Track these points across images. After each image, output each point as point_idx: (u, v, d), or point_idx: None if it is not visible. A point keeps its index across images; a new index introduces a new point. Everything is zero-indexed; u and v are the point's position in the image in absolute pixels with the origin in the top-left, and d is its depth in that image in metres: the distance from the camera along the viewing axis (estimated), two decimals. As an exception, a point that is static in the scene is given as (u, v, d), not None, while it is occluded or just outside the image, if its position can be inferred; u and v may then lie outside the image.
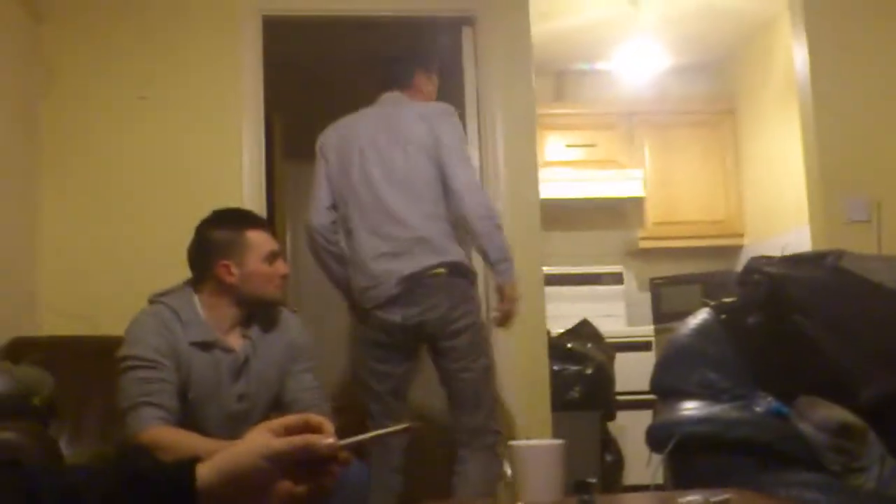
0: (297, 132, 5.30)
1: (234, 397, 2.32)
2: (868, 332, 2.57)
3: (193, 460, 0.92)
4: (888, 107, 3.90)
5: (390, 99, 3.27)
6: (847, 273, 2.80)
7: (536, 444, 1.87)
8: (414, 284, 3.01)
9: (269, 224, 2.54)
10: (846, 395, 2.45)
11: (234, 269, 2.32)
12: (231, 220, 2.41)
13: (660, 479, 2.78)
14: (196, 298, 2.34)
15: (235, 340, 2.36)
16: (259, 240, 2.37)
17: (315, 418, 0.97)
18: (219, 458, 0.92)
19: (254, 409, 2.36)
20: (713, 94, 5.76)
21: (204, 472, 0.90)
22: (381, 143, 3.13)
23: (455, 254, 3.06)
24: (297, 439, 0.93)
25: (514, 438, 3.05)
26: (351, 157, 3.16)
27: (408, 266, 3.01)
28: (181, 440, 2.11)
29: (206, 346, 2.29)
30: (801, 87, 4.05)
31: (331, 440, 0.94)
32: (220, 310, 2.34)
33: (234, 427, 2.28)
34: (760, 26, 5.20)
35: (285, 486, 0.92)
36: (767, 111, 5.16)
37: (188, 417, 2.24)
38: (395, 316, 3.05)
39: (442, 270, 3.02)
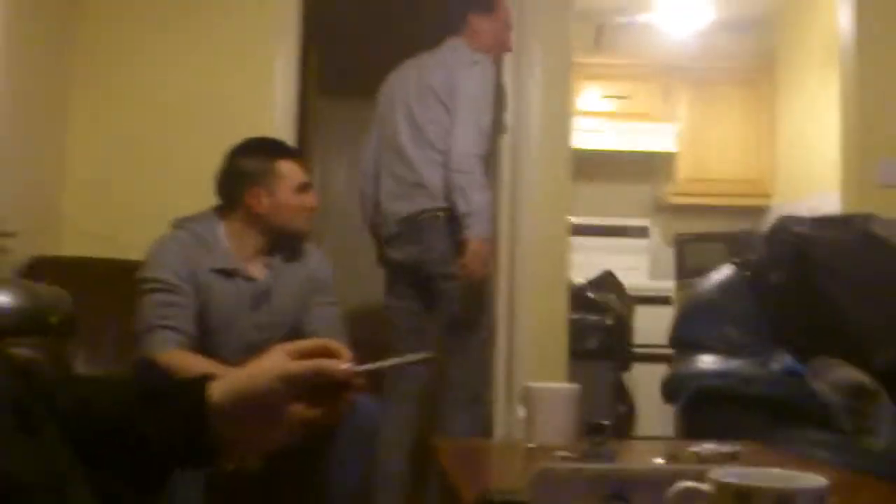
0: (335, 66, 5.31)
1: (252, 326, 2.32)
2: (890, 297, 2.56)
3: (206, 377, 0.92)
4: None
5: (447, 45, 3.35)
6: (875, 237, 2.78)
7: (551, 386, 1.90)
8: (411, 225, 3.17)
9: (300, 156, 2.53)
10: (863, 357, 2.46)
11: (263, 199, 2.32)
12: (263, 148, 2.40)
13: (671, 433, 2.81)
14: (221, 225, 2.35)
15: (257, 270, 2.36)
16: (290, 170, 2.36)
17: (333, 344, 0.97)
18: (233, 377, 0.93)
19: (272, 340, 2.32)
20: (753, 52, 5.66)
21: (217, 389, 0.91)
22: (412, 91, 3.26)
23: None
24: (313, 363, 0.93)
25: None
26: (390, 105, 3.33)
27: (406, 207, 3.18)
28: (195, 364, 2.11)
29: (227, 273, 2.30)
30: (844, 47, 3.98)
31: (346, 365, 0.94)
32: (245, 238, 2.35)
33: (250, 356, 2.31)
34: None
35: (298, 408, 0.92)
36: (807, 73, 5.07)
37: (206, 345, 2.25)
38: (397, 254, 3.26)
39: (440, 214, 3.11)
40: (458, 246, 3.07)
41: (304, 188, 2.38)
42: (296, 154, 2.49)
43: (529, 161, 3.81)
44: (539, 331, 3.60)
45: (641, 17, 5.43)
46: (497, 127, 3.30)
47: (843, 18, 3.96)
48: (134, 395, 0.93)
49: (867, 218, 2.86)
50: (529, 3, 3.91)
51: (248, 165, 2.36)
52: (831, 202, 4.03)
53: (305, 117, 4.44)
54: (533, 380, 3.38)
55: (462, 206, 3.03)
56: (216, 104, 3.61)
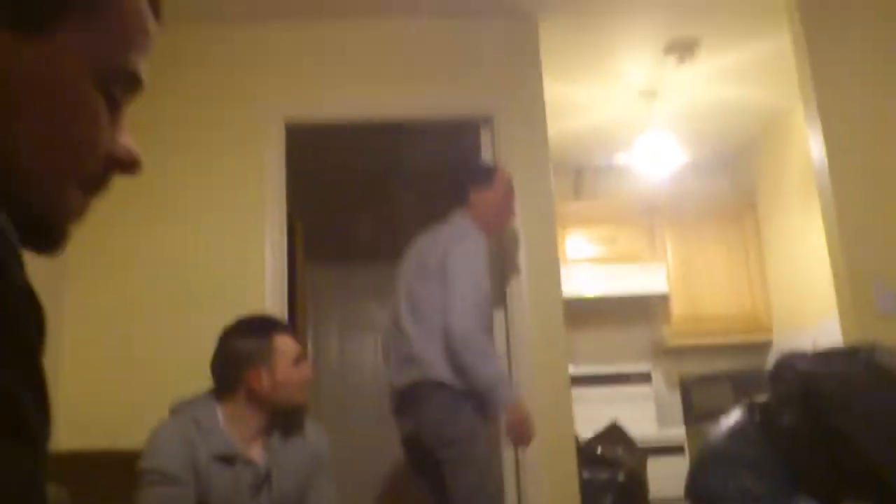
0: (317, 237, 5.36)
1: None
2: (906, 429, 2.48)
3: None
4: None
5: (450, 219, 3.48)
6: (881, 368, 2.72)
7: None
8: (405, 398, 3.21)
9: (290, 327, 2.51)
10: (890, 496, 2.35)
11: (265, 378, 2.29)
12: (258, 326, 2.39)
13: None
14: (219, 409, 2.30)
15: (257, 452, 2.30)
16: (286, 344, 2.35)
17: None
18: None
19: None
20: (732, 188, 5.76)
21: None
22: (411, 267, 3.35)
23: (440, 370, 3.10)
24: None
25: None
26: (397, 280, 3.41)
27: (401, 380, 3.21)
28: None
29: (227, 459, 2.24)
30: (819, 178, 4.02)
31: None
32: (244, 421, 2.30)
33: None
34: (775, 119, 5.23)
35: None
36: (788, 203, 5.13)
37: None
38: (401, 426, 3.30)
39: (425, 386, 3.13)
40: (449, 410, 3.08)
41: (299, 360, 2.36)
42: (287, 328, 2.46)
43: (521, 314, 3.79)
44: (550, 492, 3.47)
45: (617, 161, 5.54)
46: (496, 296, 3.30)
47: (815, 152, 4.03)
48: None
49: (871, 349, 2.81)
50: (509, 156, 3.98)
51: (245, 346, 2.33)
52: (833, 330, 3.98)
53: (294, 287, 4.44)
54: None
55: (480, 385, 3.04)
56: (208, 283, 3.63)
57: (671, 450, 4.50)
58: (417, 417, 3.17)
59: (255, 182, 3.78)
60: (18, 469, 0.46)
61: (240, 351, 2.32)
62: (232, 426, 2.28)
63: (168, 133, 3.78)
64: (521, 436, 3.07)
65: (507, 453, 3.68)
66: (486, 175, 3.48)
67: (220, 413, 2.29)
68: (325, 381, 5.67)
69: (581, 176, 5.81)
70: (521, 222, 3.93)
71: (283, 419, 2.37)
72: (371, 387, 5.74)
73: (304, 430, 2.42)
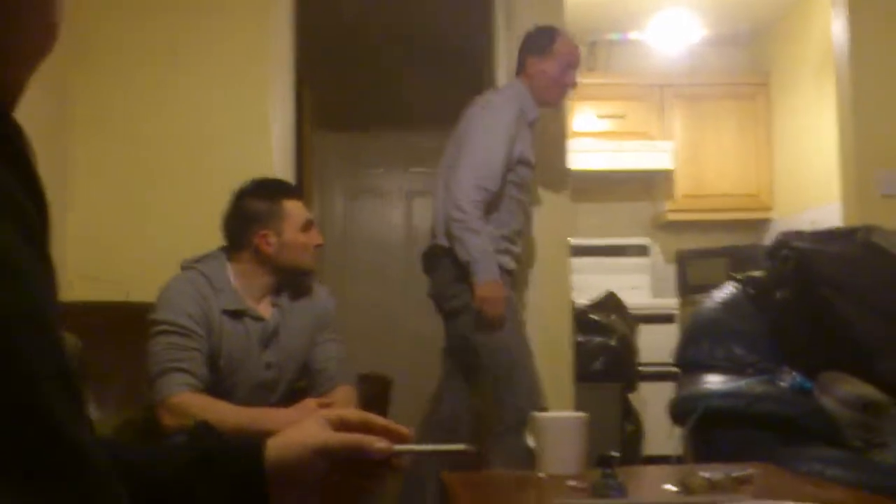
0: (327, 103, 5.35)
1: (262, 365, 2.34)
2: (890, 305, 2.55)
3: (261, 441, 0.91)
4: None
5: (501, 87, 3.49)
6: (877, 248, 2.78)
7: (559, 416, 1.89)
8: (424, 260, 3.35)
9: (302, 195, 2.56)
10: (871, 369, 2.45)
11: (272, 239, 2.34)
12: (269, 189, 2.43)
13: (680, 450, 2.79)
14: (229, 266, 2.36)
15: (265, 309, 2.37)
16: (296, 209, 2.39)
17: (377, 420, 0.95)
18: (276, 442, 0.91)
19: (281, 377, 2.39)
20: (747, 67, 5.68)
21: (270, 453, 0.90)
22: (457, 130, 3.34)
23: (446, 239, 3.15)
24: (352, 439, 0.92)
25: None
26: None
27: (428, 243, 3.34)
28: (209, 407, 2.13)
29: (237, 314, 2.31)
30: (838, 59, 3.99)
31: (384, 444, 0.92)
32: (254, 279, 2.36)
33: (262, 394, 2.33)
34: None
35: (333, 480, 0.92)
36: (802, 85, 5.08)
37: (217, 384, 2.26)
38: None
39: (438, 251, 3.22)
40: (452, 279, 3.15)
41: (308, 226, 2.40)
42: (298, 193, 2.51)
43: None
44: (545, 355, 3.58)
45: (633, 35, 5.46)
46: (522, 161, 3.21)
47: (837, 29, 3.98)
48: (190, 459, 0.91)
49: (869, 230, 2.87)
50: (523, 24, 3.93)
51: (254, 207, 2.38)
52: (832, 214, 4.03)
53: (302, 153, 4.47)
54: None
55: (462, 255, 3.06)
56: (216, 144, 3.63)
57: (662, 318, 4.61)
58: (430, 282, 3.30)
59: (262, 43, 3.74)
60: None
61: (250, 211, 2.37)
62: (241, 283, 2.34)
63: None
64: (488, 315, 3.04)
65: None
66: (543, 43, 3.29)
67: (230, 270, 2.35)
68: (329, 246, 5.75)
69: (595, 49, 5.73)
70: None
71: (292, 280, 2.43)
72: (375, 253, 5.84)
73: (312, 292, 2.49)
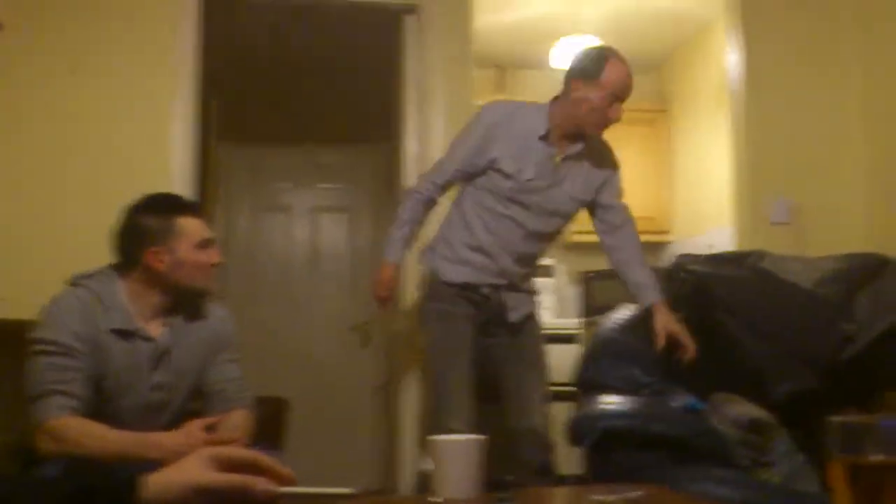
0: (235, 117, 5.27)
1: (151, 388, 2.26)
2: (784, 331, 2.65)
3: (141, 477, 0.89)
4: (815, 113, 4.00)
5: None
6: (767, 273, 2.88)
7: (454, 439, 1.88)
8: None
9: (201, 210, 2.44)
10: (762, 391, 2.53)
11: (164, 257, 2.25)
12: (162, 205, 2.32)
13: (582, 469, 2.83)
14: (119, 284, 2.27)
15: (156, 329, 2.29)
16: (191, 227, 2.28)
17: (263, 462, 0.93)
18: (157, 480, 0.89)
19: (172, 400, 2.31)
20: (649, 94, 5.83)
21: (150, 490, 0.88)
22: None
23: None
24: (235, 480, 0.90)
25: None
26: None
27: None
28: (90, 431, 2.05)
29: (125, 333, 2.22)
30: (733, 90, 4.13)
31: (267, 486, 0.91)
32: (145, 297, 2.27)
33: (150, 416, 2.25)
34: (698, 29, 5.29)
35: None
36: (701, 112, 5.25)
37: (103, 406, 2.17)
38: None
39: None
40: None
41: (205, 244, 2.30)
42: (194, 210, 2.38)
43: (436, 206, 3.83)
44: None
45: (540, 60, 5.54)
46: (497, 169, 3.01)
47: (732, 61, 4.12)
48: (66, 494, 0.88)
49: (760, 255, 2.97)
50: (432, 46, 3.96)
51: (146, 223, 2.27)
52: (728, 237, 4.16)
53: (206, 167, 4.39)
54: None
55: None
56: (113, 157, 3.55)
57: (564, 338, 4.66)
58: None
59: (166, 52, 3.67)
60: None
61: (141, 227, 2.27)
62: (132, 301, 2.26)
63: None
64: (374, 294, 3.12)
65: (406, 324, 3.87)
66: (592, 68, 2.93)
67: (119, 287, 2.26)
68: (234, 262, 5.66)
69: (503, 72, 5.81)
70: (442, 112, 3.95)
71: (187, 300, 2.35)
72: (281, 268, 5.77)
73: (208, 312, 2.41)
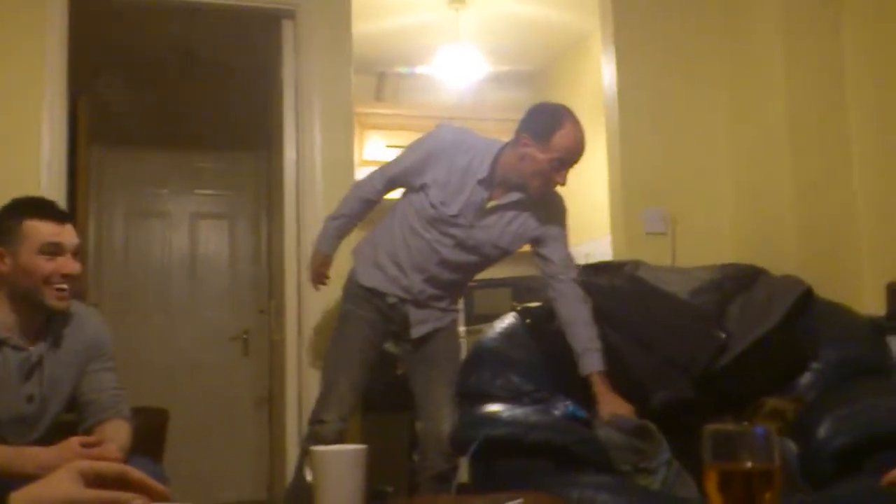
0: (107, 119, 5.09)
1: (23, 398, 2.17)
2: (660, 339, 2.73)
3: (5, 495, 0.84)
4: (689, 125, 4.13)
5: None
6: (643, 282, 2.96)
7: (335, 449, 1.86)
8: None
9: (64, 217, 2.27)
10: (640, 398, 2.60)
11: (6, 260, 2.15)
12: (16, 207, 2.22)
13: (466, 477, 2.84)
14: None
15: (28, 338, 2.20)
16: (37, 230, 2.16)
17: (134, 476, 0.90)
18: (22, 497, 0.85)
19: (45, 412, 2.22)
20: (528, 103, 5.92)
21: None
22: None
23: None
24: (104, 496, 0.86)
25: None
26: None
27: None
28: None
29: None
30: (608, 102, 4.23)
31: (140, 502, 0.87)
32: (8, 306, 2.17)
33: (21, 429, 2.16)
34: (574, 41, 5.41)
35: None
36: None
37: None
38: None
39: None
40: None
41: (51, 250, 2.16)
42: (53, 214, 2.23)
43: (314, 211, 3.80)
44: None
45: (420, 69, 5.57)
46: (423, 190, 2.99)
47: (607, 76, 4.23)
48: None
49: (636, 264, 3.05)
50: (311, 51, 3.92)
51: (3, 226, 2.18)
52: (604, 248, 4.26)
53: (77, 170, 4.22)
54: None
55: None
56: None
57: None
58: None
59: (33, 53, 3.51)
60: None
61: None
62: (6, 309, 2.17)
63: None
64: (311, 277, 3.22)
65: (290, 334, 3.89)
66: (543, 130, 2.87)
67: None
68: (110, 269, 5.47)
69: (384, 79, 5.80)
70: (320, 118, 3.91)
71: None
72: (158, 276, 5.60)
73: (81, 319, 2.33)
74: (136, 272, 5.57)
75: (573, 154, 2.89)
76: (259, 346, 5.35)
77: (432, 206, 2.92)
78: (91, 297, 4.97)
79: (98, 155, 5.23)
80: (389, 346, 3.40)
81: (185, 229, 5.75)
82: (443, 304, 3.08)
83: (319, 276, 3.19)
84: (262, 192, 5.63)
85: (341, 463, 1.72)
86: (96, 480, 0.88)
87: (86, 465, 0.90)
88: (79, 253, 2.25)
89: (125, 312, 5.27)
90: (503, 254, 3.01)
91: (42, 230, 2.17)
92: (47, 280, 2.16)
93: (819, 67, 3.74)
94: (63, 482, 0.86)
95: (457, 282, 3.08)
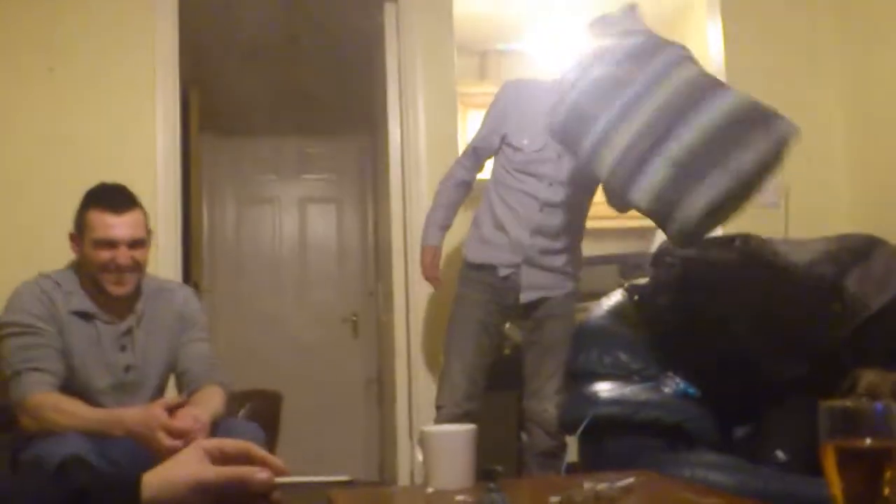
0: (214, 107, 5.22)
1: (121, 368, 2.34)
2: (773, 313, 2.64)
3: (138, 475, 0.88)
4: (801, 94, 3.98)
5: None
6: (754, 256, 2.86)
7: (446, 429, 1.88)
8: None
9: (124, 207, 2.34)
10: (753, 375, 2.52)
11: (77, 247, 2.33)
12: (87, 196, 2.37)
13: (575, 457, 2.83)
14: (77, 273, 2.35)
15: (119, 313, 2.36)
16: (96, 222, 2.29)
17: (257, 452, 0.93)
18: (152, 480, 0.88)
19: (145, 379, 2.38)
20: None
21: (146, 492, 0.87)
22: None
23: None
24: (232, 472, 0.89)
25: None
26: None
27: None
28: (62, 407, 2.13)
29: (86, 315, 2.30)
30: (715, 69, 4.11)
31: (265, 475, 0.90)
32: (89, 284, 2.33)
33: (125, 398, 2.31)
34: (677, 9, 5.26)
35: None
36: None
37: (76, 384, 2.26)
38: None
39: None
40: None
41: (106, 244, 2.28)
42: (116, 205, 2.32)
43: (419, 193, 3.82)
44: (439, 364, 3.58)
45: (522, 45, 5.51)
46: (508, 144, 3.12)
47: (713, 44, 4.10)
48: (63, 496, 0.87)
49: (745, 238, 2.95)
50: (413, 33, 3.94)
51: (77, 212, 2.36)
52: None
53: (188, 158, 4.36)
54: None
55: None
56: (95, 151, 3.52)
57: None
58: None
59: (145, 46, 3.63)
60: None
61: (75, 216, 2.35)
62: (91, 288, 2.33)
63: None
64: (424, 274, 3.21)
65: (397, 318, 3.92)
66: None
67: (78, 277, 2.34)
68: (220, 254, 5.63)
69: (486, 58, 5.77)
70: (424, 100, 3.92)
71: (148, 286, 2.42)
72: (267, 260, 5.74)
73: (172, 294, 2.49)
74: (247, 257, 5.72)
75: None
76: (369, 328, 5.44)
77: (517, 149, 3.04)
78: (205, 281, 5.14)
79: (209, 143, 5.37)
80: (510, 332, 3.41)
81: (295, 214, 5.86)
82: (559, 263, 3.07)
83: (432, 270, 3.18)
84: (367, 175, 5.70)
85: (449, 443, 1.74)
86: (220, 457, 0.91)
87: (209, 443, 0.93)
88: (141, 242, 2.34)
89: (237, 295, 5.43)
90: (597, 181, 2.98)
91: (97, 223, 2.29)
92: (103, 269, 2.29)
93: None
94: (191, 462, 0.90)
95: (562, 226, 3.06)
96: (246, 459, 0.92)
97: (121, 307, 2.36)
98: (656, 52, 2.72)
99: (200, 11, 4.01)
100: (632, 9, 2.90)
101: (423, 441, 1.78)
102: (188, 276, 4.22)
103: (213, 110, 5.13)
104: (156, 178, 3.54)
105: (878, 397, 2.34)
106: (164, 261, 3.51)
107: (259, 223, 5.81)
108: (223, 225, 5.73)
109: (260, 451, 0.93)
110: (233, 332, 5.18)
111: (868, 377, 2.41)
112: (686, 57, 2.75)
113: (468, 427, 1.78)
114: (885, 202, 3.65)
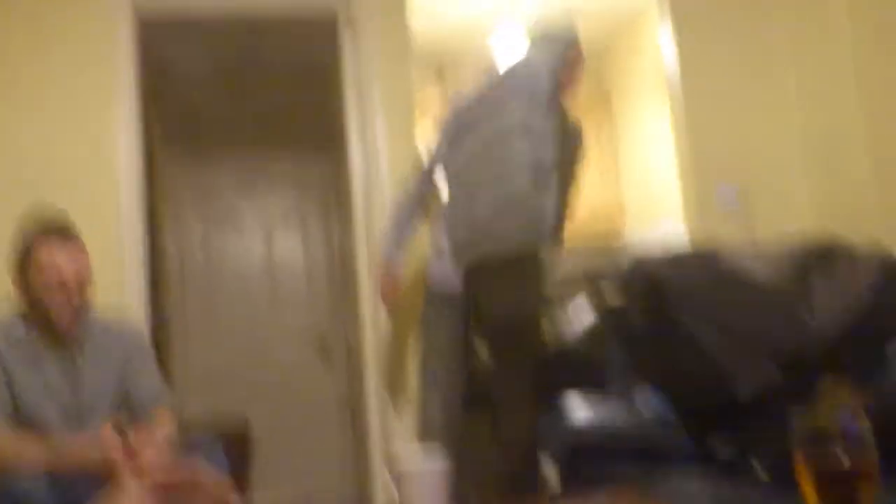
0: (177, 129, 5.18)
1: (69, 401, 2.33)
2: (742, 325, 2.65)
3: None
4: (753, 96, 4.03)
5: None
6: (723, 271, 2.88)
7: (423, 468, 1.85)
8: None
9: (69, 238, 2.37)
10: (725, 388, 2.53)
11: (21, 285, 2.33)
12: (30, 229, 2.35)
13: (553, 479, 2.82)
14: (22, 316, 2.35)
15: (65, 354, 2.36)
16: (45, 255, 2.30)
17: (202, 478, 0.93)
18: None
19: (93, 412, 2.36)
20: (588, 87, 5.83)
21: None
22: None
23: None
24: None
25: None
26: None
27: None
28: (13, 446, 2.14)
29: (32, 362, 2.31)
30: (669, 79, 4.14)
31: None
32: (42, 324, 2.32)
33: (76, 425, 2.31)
34: (631, 18, 5.29)
35: None
36: (641, 100, 5.25)
37: (23, 415, 2.25)
38: None
39: None
40: None
41: (57, 281, 2.29)
42: (62, 237, 2.35)
43: (380, 201, 3.78)
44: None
45: (480, 52, 5.51)
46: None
47: (667, 50, 4.13)
48: None
49: (713, 250, 2.96)
50: (367, 52, 3.91)
51: (16, 248, 2.34)
52: (679, 227, 4.16)
53: (152, 182, 4.30)
54: (409, 437, 3.35)
55: None
56: (55, 171, 3.45)
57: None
58: None
59: (104, 68, 3.59)
60: None
61: (15, 251, 2.33)
62: (36, 331, 2.33)
63: (4, 23, 3.53)
64: (380, 292, 3.21)
65: (367, 329, 3.87)
66: None
67: (22, 319, 2.34)
68: (188, 275, 5.56)
69: (442, 69, 5.76)
70: (383, 117, 3.90)
71: (87, 322, 2.41)
72: (236, 281, 5.66)
73: (115, 325, 2.49)
74: (215, 277, 5.64)
75: None
76: (340, 348, 5.40)
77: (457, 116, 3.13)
78: (172, 303, 5.08)
79: (171, 164, 5.31)
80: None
81: (260, 233, 5.80)
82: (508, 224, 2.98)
83: (387, 290, 3.17)
84: (331, 192, 5.67)
85: (429, 481, 1.71)
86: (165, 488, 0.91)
87: (158, 478, 0.92)
88: (81, 272, 2.34)
89: (207, 318, 5.38)
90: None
91: (50, 256, 2.29)
92: (55, 306, 2.30)
93: (891, 29, 3.60)
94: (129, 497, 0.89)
95: (502, 174, 2.98)
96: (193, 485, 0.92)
97: (66, 340, 2.36)
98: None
99: (159, 32, 3.96)
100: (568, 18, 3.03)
101: (400, 481, 1.76)
102: (156, 298, 4.15)
103: (174, 130, 5.08)
104: (119, 200, 3.49)
105: (848, 408, 2.36)
106: (129, 283, 3.46)
107: (225, 243, 5.74)
108: (190, 246, 5.66)
109: (204, 479, 0.93)
110: (203, 355, 5.13)
111: (836, 388, 2.42)
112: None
113: (437, 467, 1.75)
114: (843, 202, 3.70)
